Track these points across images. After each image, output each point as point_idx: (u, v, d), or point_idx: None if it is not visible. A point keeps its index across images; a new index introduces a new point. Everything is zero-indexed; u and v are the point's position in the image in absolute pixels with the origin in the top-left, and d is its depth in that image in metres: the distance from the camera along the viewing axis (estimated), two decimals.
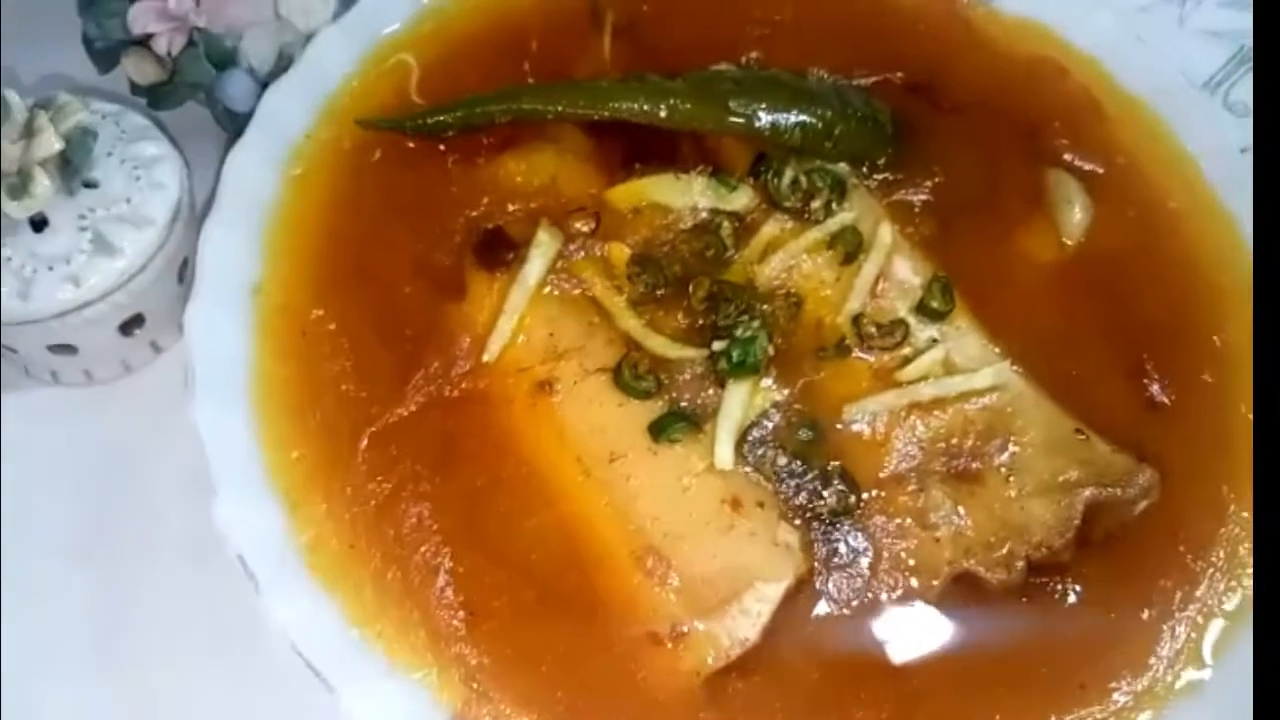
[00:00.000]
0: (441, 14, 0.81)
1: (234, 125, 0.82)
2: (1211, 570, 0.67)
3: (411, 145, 0.77)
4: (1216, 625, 0.65)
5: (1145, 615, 0.65)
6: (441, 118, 0.76)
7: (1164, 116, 0.83)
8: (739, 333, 0.68)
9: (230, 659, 0.69)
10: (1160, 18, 0.94)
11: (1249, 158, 0.79)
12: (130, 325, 0.77)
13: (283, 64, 0.81)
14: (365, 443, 0.66)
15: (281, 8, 0.80)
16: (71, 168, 0.72)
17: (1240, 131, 0.80)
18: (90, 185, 0.74)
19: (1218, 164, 0.80)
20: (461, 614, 0.62)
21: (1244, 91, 0.91)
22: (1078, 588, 0.65)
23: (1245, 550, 0.67)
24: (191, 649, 0.70)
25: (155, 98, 0.82)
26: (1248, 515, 0.68)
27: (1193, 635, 0.65)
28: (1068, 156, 0.81)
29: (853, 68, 0.83)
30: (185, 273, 0.78)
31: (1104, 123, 0.83)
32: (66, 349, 0.76)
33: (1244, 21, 0.93)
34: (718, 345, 0.68)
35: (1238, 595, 0.66)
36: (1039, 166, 0.80)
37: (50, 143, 0.70)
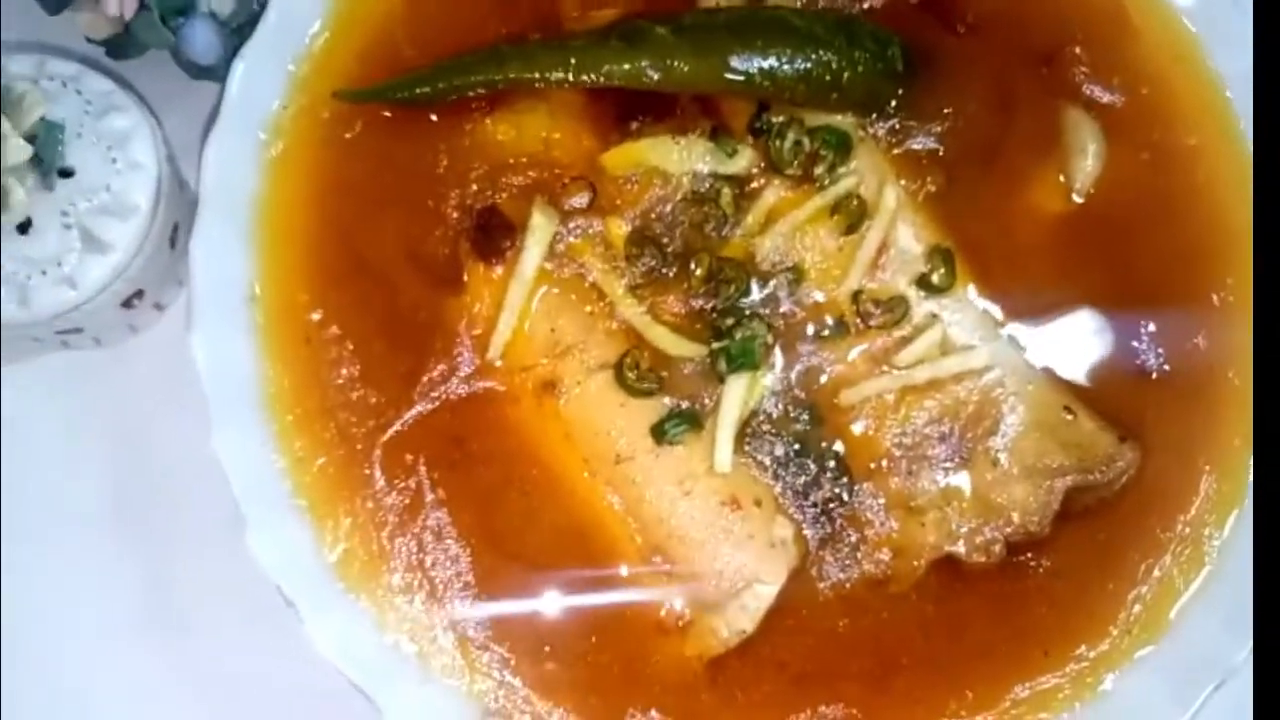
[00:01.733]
0: None
1: (201, 75, 0.77)
2: (1177, 542, 0.71)
3: (390, 114, 0.73)
4: (1180, 594, 0.71)
5: (1111, 586, 0.71)
6: (423, 89, 0.72)
7: (1195, 31, 0.77)
8: (738, 334, 0.69)
9: (272, 615, 0.75)
10: None
11: None
12: (131, 299, 0.78)
13: (245, 5, 0.75)
14: (379, 452, 0.69)
15: None
16: (45, 165, 0.69)
17: None
18: (66, 174, 0.71)
19: (1244, 88, 0.76)
20: (485, 614, 0.68)
21: None
22: (1048, 562, 0.70)
23: (1213, 520, 0.72)
24: (230, 608, 0.76)
25: (113, 49, 0.76)
26: (1220, 485, 0.72)
27: (1155, 604, 0.71)
28: (1086, 89, 0.77)
29: None
30: (177, 237, 0.77)
31: (1129, 41, 0.78)
32: (72, 330, 0.77)
33: None
34: (716, 345, 0.69)
35: (1203, 565, 0.71)
36: (1055, 102, 0.76)
37: (17, 150, 0.67)
